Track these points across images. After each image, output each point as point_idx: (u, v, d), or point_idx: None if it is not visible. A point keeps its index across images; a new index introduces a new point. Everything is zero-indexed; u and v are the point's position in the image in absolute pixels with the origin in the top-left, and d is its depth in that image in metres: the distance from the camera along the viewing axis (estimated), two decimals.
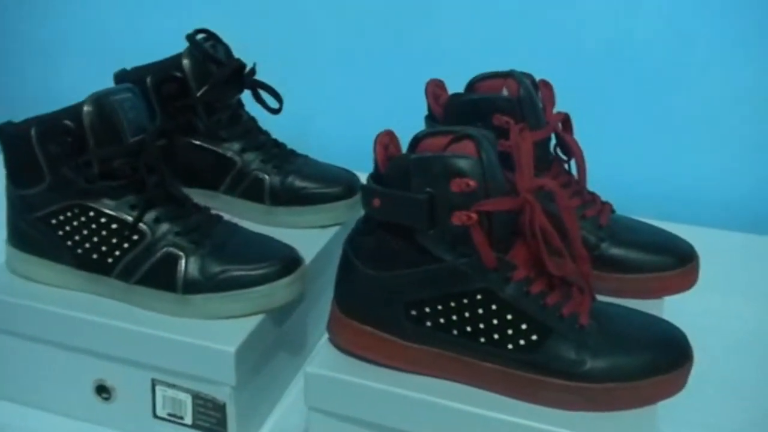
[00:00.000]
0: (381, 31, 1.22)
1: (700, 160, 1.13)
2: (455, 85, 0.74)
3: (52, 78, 1.43)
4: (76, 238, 0.69)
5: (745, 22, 1.06)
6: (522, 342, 0.57)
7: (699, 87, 1.10)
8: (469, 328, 0.58)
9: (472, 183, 0.55)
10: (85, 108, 0.66)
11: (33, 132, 0.67)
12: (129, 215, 0.68)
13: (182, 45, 0.81)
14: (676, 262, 0.70)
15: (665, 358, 0.58)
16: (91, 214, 0.68)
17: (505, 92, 0.70)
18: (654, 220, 0.76)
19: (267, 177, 0.82)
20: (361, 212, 0.62)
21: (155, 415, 0.70)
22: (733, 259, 0.96)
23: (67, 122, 0.66)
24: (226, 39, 0.84)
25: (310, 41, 1.26)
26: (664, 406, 0.58)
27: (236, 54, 0.85)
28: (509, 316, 0.57)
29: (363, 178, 0.63)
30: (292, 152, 0.87)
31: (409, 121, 0.69)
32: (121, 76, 0.81)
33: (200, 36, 0.82)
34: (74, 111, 0.66)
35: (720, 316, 0.87)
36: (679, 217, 0.94)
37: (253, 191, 0.83)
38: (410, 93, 0.81)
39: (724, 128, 1.11)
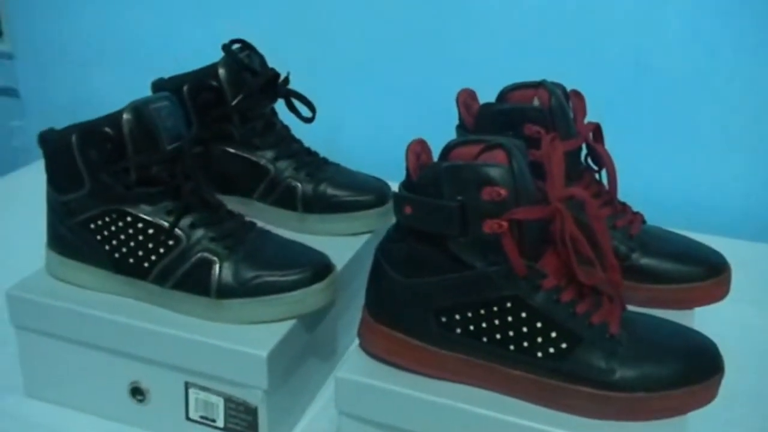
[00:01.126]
0: (413, 40, 1.22)
1: (730, 170, 1.12)
2: (486, 95, 0.75)
3: (91, 87, 1.46)
4: (114, 242, 0.71)
5: None
6: (551, 350, 0.57)
7: (728, 97, 1.10)
8: (498, 336, 0.58)
9: (503, 192, 0.56)
10: (125, 116, 0.67)
11: (74, 139, 0.68)
12: (165, 221, 0.69)
13: (216, 55, 0.82)
14: (708, 273, 0.70)
15: (695, 368, 0.58)
16: (129, 219, 0.70)
17: (536, 102, 0.70)
18: (685, 231, 0.76)
19: (299, 185, 0.83)
20: (393, 220, 0.63)
21: (188, 418, 0.71)
22: (764, 271, 0.95)
23: (107, 129, 0.67)
24: (260, 49, 0.86)
25: (342, 51, 1.27)
26: (693, 417, 0.58)
27: (270, 64, 0.86)
28: (539, 324, 0.57)
29: (394, 186, 0.64)
30: (325, 160, 0.88)
31: (440, 131, 0.70)
32: (158, 85, 0.83)
33: (236, 46, 0.83)
34: (114, 119, 0.67)
35: (751, 328, 0.86)
36: (710, 228, 0.93)
37: (285, 199, 0.84)
38: (441, 102, 0.81)
39: (755, 139, 1.10)
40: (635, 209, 0.75)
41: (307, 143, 0.88)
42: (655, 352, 0.58)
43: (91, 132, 0.68)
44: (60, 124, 0.71)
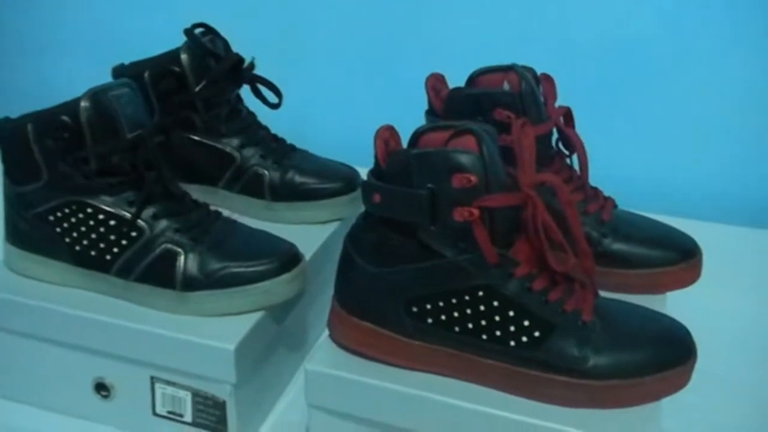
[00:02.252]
0: (381, 24, 1.21)
1: (702, 154, 1.12)
2: (456, 80, 0.74)
3: (48, 74, 1.43)
4: (74, 235, 0.68)
5: (745, 18, 1.05)
6: (524, 339, 0.57)
7: (699, 81, 1.10)
8: (470, 325, 0.57)
9: (473, 178, 0.55)
10: (82, 104, 0.65)
11: (30, 128, 0.66)
12: (127, 212, 0.67)
13: (180, 40, 0.80)
14: (679, 257, 0.70)
15: (668, 354, 0.57)
16: (89, 210, 0.67)
17: (506, 86, 0.69)
18: (656, 215, 0.76)
19: (266, 172, 0.82)
20: (362, 208, 0.62)
21: (155, 413, 0.70)
22: (736, 254, 0.96)
23: (64, 118, 0.65)
24: (224, 33, 0.84)
25: (309, 35, 1.25)
26: (667, 402, 0.58)
27: (235, 49, 0.84)
28: (511, 313, 0.57)
29: (363, 173, 0.62)
30: (292, 147, 0.86)
31: (409, 116, 0.69)
32: (118, 72, 0.80)
33: (198, 30, 0.81)
34: (71, 107, 0.65)
35: (723, 311, 0.86)
36: (682, 211, 0.93)
37: (252, 187, 0.82)
38: (410, 87, 0.80)
39: (726, 122, 1.10)
40: (606, 194, 0.74)
41: (273, 130, 0.87)
42: (627, 339, 0.57)
43: (47, 121, 0.66)
44: (16, 113, 0.69)
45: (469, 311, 0.57)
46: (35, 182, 0.68)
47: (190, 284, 0.67)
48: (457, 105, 0.70)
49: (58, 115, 0.66)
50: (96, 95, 0.66)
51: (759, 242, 1.02)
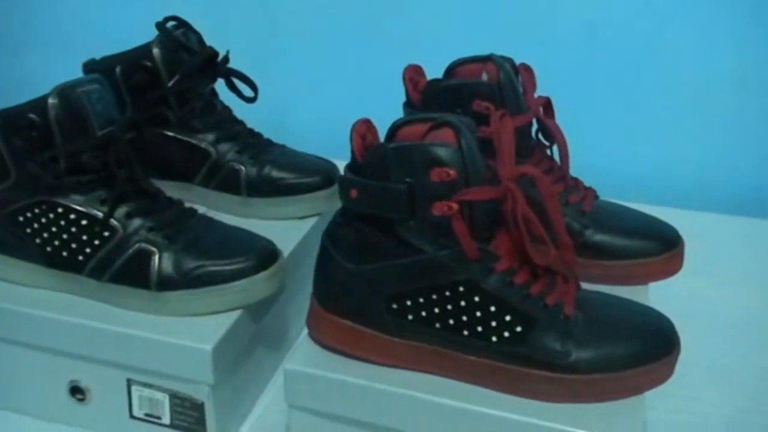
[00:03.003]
0: (357, 16, 1.20)
1: (683, 142, 1.12)
2: (433, 71, 0.73)
3: (16, 69, 1.40)
4: (45, 235, 0.67)
5: (729, 5, 1.05)
6: (506, 334, 0.56)
7: (679, 68, 1.10)
8: (451, 321, 0.56)
9: (452, 172, 0.53)
10: (50, 100, 0.63)
11: None
12: (99, 211, 0.66)
13: (151, 34, 0.78)
14: (661, 248, 0.69)
15: (652, 347, 0.57)
16: (60, 210, 0.66)
17: (484, 77, 0.68)
18: (637, 204, 0.75)
19: (243, 168, 0.80)
20: (340, 203, 0.61)
21: (132, 416, 0.68)
22: (718, 243, 0.96)
23: (32, 116, 0.64)
24: (197, 27, 0.82)
25: (285, 27, 1.24)
26: (651, 394, 0.57)
27: (209, 42, 0.82)
28: (492, 308, 0.56)
29: (342, 167, 0.61)
30: (269, 142, 0.85)
31: (386, 109, 0.68)
32: (89, 67, 0.79)
33: (171, 24, 0.80)
34: (39, 104, 0.64)
35: (706, 301, 0.86)
36: (662, 199, 0.93)
37: (228, 183, 0.81)
38: (388, 79, 0.79)
39: (705, 109, 1.10)
40: (587, 184, 0.74)
41: (249, 124, 0.85)
42: (610, 333, 0.57)
43: (14, 119, 0.64)
44: None
45: (450, 307, 0.56)
46: (3, 182, 0.66)
47: (166, 284, 0.65)
48: (435, 97, 0.69)
49: (26, 112, 0.64)
50: (64, 91, 0.64)
51: (741, 230, 1.02)
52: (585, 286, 0.61)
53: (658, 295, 0.68)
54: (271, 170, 0.80)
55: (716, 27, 1.06)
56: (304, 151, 0.86)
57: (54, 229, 0.66)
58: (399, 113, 0.71)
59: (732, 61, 1.07)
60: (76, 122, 0.64)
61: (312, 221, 0.81)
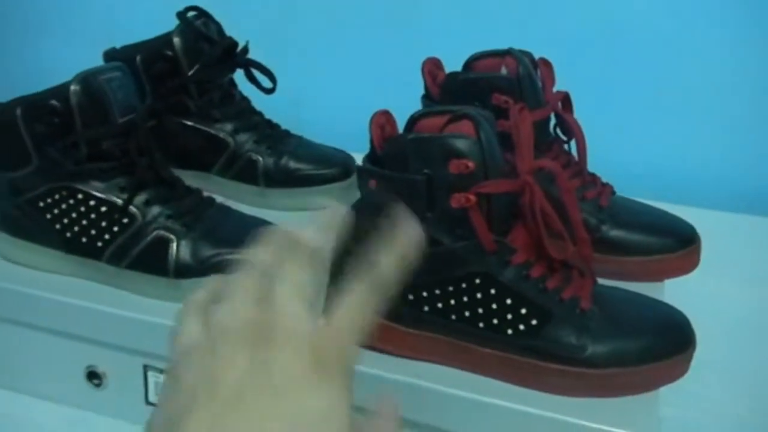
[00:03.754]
0: (378, 8, 1.20)
1: (701, 140, 1.12)
2: (452, 64, 0.73)
3: (39, 58, 1.41)
4: (65, 221, 0.67)
5: (743, 4, 1.04)
6: (522, 327, 0.56)
7: (698, 65, 1.09)
8: (467, 313, 0.57)
9: (470, 164, 0.54)
10: (72, 87, 0.64)
11: (19, 112, 0.65)
12: (119, 198, 0.66)
13: (171, 23, 0.79)
14: (678, 245, 0.69)
15: (667, 342, 0.57)
16: (80, 196, 0.66)
17: (503, 71, 0.68)
18: (654, 202, 0.75)
19: (260, 158, 0.81)
20: (357, 194, 0.61)
21: (148, 402, 0.69)
22: (735, 242, 0.95)
23: (54, 102, 0.64)
24: (217, 17, 0.82)
25: (304, 19, 1.24)
26: (665, 390, 0.57)
27: (228, 33, 0.83)
28: (508, 301, 0.56)
29: (359, 159, 0.61)
30: (287, 133, 0.85)
31: (405, 101, 0.68)
32: (110, 55, 0.79)
33: (191, 14, 0.80)
34: (61, 91, 0.64)
35: (721, 299, 0.86)
36: (680, 198, 0.93)
37: (246, 173, 0.81)
38: (407, 72, 0.79)
39: (725, 109, 1.10)
40: (604, 180, 0.73)
41: (267, 115, 0.86)
42: (626, 327, 0.57)
43: (37, 105, 0.65)
44: (3, 97, 0.67)
45: (466, 299, 0.56)
46: (25, 168, 0.67)
47: (183, 271, 0.66)
48: (454, 90, 0.69)
49: (48, 99, 0.64)
50: (86, 79, 0.64)
51: (758, 230, 1.01)
52: (600, 281, 0.61)
53: (674, 292, 0.68)
54: (289, 161, 0.81)
55: (736, 24, 1.05)
56: (322, 143, 0.86)
57: (74, 215, 0.67)
58: (417, 106, 0.71)
59: (752, 59, 1.06)
60: (97, 109, 0.64)
61: None
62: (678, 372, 0.57)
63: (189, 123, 0.81)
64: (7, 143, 0.67)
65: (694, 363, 0.58)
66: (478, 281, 0.56)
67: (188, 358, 0.34)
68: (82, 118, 0.64)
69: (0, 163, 0.68)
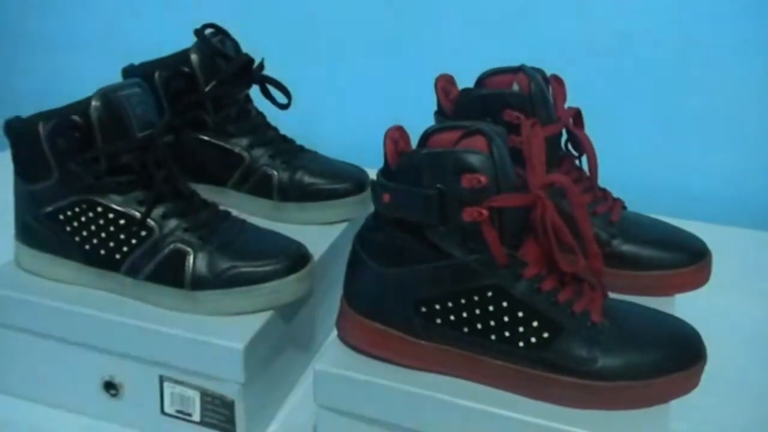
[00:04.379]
0: (390, 25, 1.21)
1: (712, 156, 1.12)
2: (465, 81, 0.74)
3: (59, 74, 1.43)
4: (84, 233, 0.69)
5: (755, 20, 1.05)
6: (533, 339, 0.56)
7: (709, 83, 1.10)
8: (479, 326, 0.57)
9: (483, 179, 0.55)
10: (93, 103, 0.65)
11: (41, 127, 0.66)
12: (137, 211, 0.67)
13: (190, 40, 0.80)
14: (689, 259, 0.70)
15: (678, 356, 0.57)
16: (99, 209, 0.68)
17: (515, 87, 0.69)
18: (665, 217, 0.76)
19: (275, 173, 0.82)
20: (370, 208, 0.62)
21: (163, 412, 0.70)
22: (745, 257, 0.95)
23: (75, 117, 0.66)
24: (234, 34, 0.84)
25: (318, 36, 1.26)
26: (676, 404, 0.58)
27: (244, 49, 0.84)
28: (520, 314, 0.56)
29: (371, 174, 0.62)
30: (301, 148, 0.86)
31: (418, 117, 0.69)
32: (129, 72, 0.81)
33: (208, 31, 0.82)
34: (82, 106, 0.66)
35: (731, 314, 0.86)
36: (690, 213, 0.93)
37: (261, 187, 0.82)
38: (419, 88, 0.80)
39: (735, 124, 1.10)
40: (615, 195, 0.74)
41: (282, 130, 0.87)
42: (637, 341, 0.57)
43: (58, 120, 0.66)
44: (26, 112, 0.69)
45: (477, 312, 0.57)
46: (46, 181, 0.68)
47: (199, 283, 0.67)
48: (467, 106, 0.70)
49: (69, 114, 0.66)
50: (107, 95, 0.66)
51: None
52: (611, 296, 0.61)
53: (684, 307, 0.68)
54: (303, 176, 0.82)
55: (748, 39, 1.06)
56: (335, 158, 0.87)
57: (93, 227, 0.68)
58: (429, 122, 0.72)
59: (763, 73, 1.07)
60: (117, 124, 0.66)
61: (341, 227, 0.82)
62: (689, 386, 0.58)
63: (205, 138, 0.82)
64: (29, 156, 0.68)
65: (704, 377, 0.58)
66: (490, 294, 0.57)
67: None
68: (102, 132, 0.66)
69: (22, 176, 0.70)
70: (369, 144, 0.75)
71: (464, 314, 0.58)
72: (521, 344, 0.57)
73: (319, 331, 0.81)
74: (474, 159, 0.55)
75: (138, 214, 0.67)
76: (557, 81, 0.72)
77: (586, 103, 0.73)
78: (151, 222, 0.67)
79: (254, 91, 0.85)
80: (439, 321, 0.58)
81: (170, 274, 0.67)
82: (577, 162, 0.73)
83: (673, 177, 1.13)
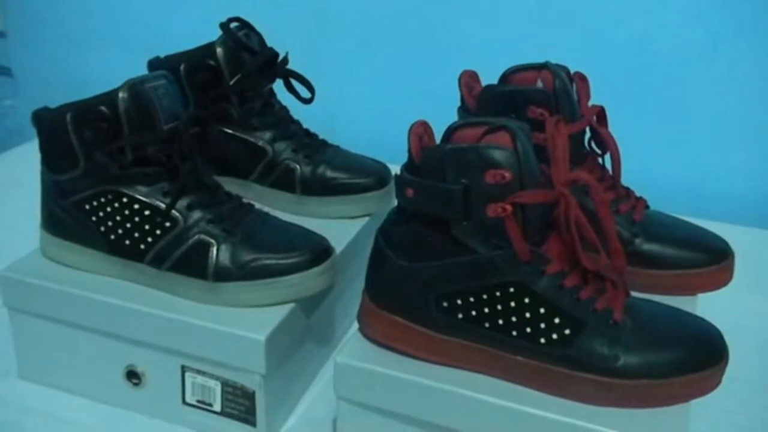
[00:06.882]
0: (414, 20, 1.21)
1: (735, 156, 1.11)
2: (489, 77, 0.74)
3: (86, 66, 1.44)
4: (110, 223, 0.69)
5: None
6: (554, 336, 0.57)
7: (731, 80, 1.09)
8: (501, 321, 0.57)
9: (507, 174, 0.55)
10: (120, 94, 0.66)
11: (68, 118, 0.67)
12: (162, 202, 0.68)
13: (214, 34, 0.81)
14: (711, 259, 0.69)
15: (700, 355, 0.57)
16: (125, 200, 0.68)
17: (539, 84, 0.69)
18: (688, 217, 0.75)
19: (298, 167, 0.82)
20: (392, 203, 0.62)
21: (184, 402, 0.71)
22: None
23: (103, 108, 0.66)
24: (259, 28, 0.84)
25: (342, 30, 1.26)
26: (696, 404, 0.58)
27: (269, 43, 0.85)
28: (542, 310, 0.57)
29: (394, 169, 0.62)
30: (324, 142, 0.87)
31: (441, 113, 0.69)
32: (155, 64, 0.81)
33: (234, 25, 0.82)
34: (109, 97, 0.66)
35: (754, 315, 0.86)
36: (713, 214, 0.93)
37: (283, 181, 0.83)
38: (443, 84, 0.80)
39: (759, 123, 1.09)
40: (638, 194, 0.74)
41: (305, 124, 0.87)
42: (658, 339, 0.57)
43: (86, 111, 0.67)
44: (53, 103, 0.70)
45: (499, 307, 0.57)
46: (72, 171, 0.69)
47: (222, 275, 0.67)
48: (491, 102, 0.70)
49: (97, 105, 0.66)
50: (134, 86, 0.66)
51: None
52: (633, 294, 0.61)
53: (706, 307, 0.68)
54: (325, 170, 0.82)
55: (765, 39, 1.05)
56: (358, 153, 0.87)
57: (118, 218, 0.69)
58: (452, 118, 0.72)
59: None
60: (143, 116, 0.66)
61: (363, 221, 0.82)
62: (710, 385, 0.58)
63: (230, 131, 0.82)
64: (56, 147, 0.69)
65: (725, 378, 0.58)
66: (512, 290, 0.57)
67: None
68: (129, 124, 0.66)
69: (48, 166, 0.71)
70: (391, 139, 0.75)
71: (486, 310, 0.58)
72: (543, 341, 0.57)
73: (340, 324, 0.82)
74: (498, 155, 0.55)
75: (163, 205, 0.68)
76: (581, 78, 0.72)
77: (609, 101, 0.73)
78: (175, 213, 0.68)
79: (278, 85, 0.85)
80: (460, 316, 0.59)
81: (194, 265, 0.68)
82: (600, 160, 0.73)
83: (696, 177, 1.13)
